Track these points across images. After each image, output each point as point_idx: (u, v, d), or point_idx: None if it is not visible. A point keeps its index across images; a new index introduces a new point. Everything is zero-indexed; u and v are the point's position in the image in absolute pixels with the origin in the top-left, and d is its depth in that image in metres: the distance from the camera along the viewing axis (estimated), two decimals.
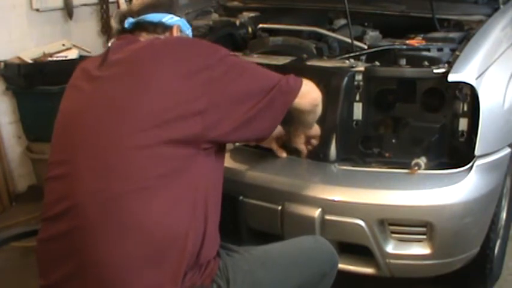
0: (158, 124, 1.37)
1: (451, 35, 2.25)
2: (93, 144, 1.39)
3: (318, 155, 2.00)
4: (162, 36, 1.65)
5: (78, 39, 3.72)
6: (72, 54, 3.50)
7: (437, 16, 2.43)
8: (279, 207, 1.94)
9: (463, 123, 1.93)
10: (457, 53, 2.02)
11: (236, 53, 2.19)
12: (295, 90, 1.60)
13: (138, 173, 1.36)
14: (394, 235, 1.90)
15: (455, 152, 1.95)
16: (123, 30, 1.64)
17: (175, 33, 1.67)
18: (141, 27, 1.64)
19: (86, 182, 1.37)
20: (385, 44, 2.24)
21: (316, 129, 1.94)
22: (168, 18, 1.66)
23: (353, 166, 1.98)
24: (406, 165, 1.90)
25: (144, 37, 1.62)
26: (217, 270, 1.47)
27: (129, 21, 1.63)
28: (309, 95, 1.65)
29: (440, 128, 1.95)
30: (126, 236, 1.34)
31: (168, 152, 1.38)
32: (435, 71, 1.92)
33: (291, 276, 1.60)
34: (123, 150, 1.37)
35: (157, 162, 1.37)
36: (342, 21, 2.62)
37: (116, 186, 1.35)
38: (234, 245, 1.61)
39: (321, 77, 2.01)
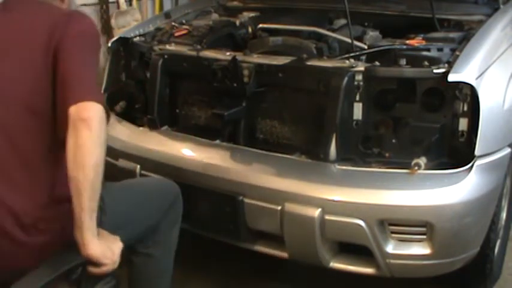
0: None
1: (451, 35, 2.25)
2: None
3: (318, 155, 2.00)
4: None
5: None
6: None
7: (437, 16, 2.42)
8: (279, 207, 1.94)
9: (463, 123, 1.93)
10: (457, 53, 2.02)
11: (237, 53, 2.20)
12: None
13: None
14: (394, 235, 1.90)
15: (455, 152, 1.94)
16: None
17: None
18: None
19: None
20: (385, 44, 2.24)
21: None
22: None
23: (353, 166, 1.98)
24: (406, 165, 1.90)
25: None
26: None
27: None
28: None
29: (440, 128, 1.95)
30: None
31: None
32: (435, 71, 1.92)
33: (137, 219, 1.74)
34: None
35: None
36: (342, 21, 2.62)
37: None
38: None
39: (321, 77, 2.02)
